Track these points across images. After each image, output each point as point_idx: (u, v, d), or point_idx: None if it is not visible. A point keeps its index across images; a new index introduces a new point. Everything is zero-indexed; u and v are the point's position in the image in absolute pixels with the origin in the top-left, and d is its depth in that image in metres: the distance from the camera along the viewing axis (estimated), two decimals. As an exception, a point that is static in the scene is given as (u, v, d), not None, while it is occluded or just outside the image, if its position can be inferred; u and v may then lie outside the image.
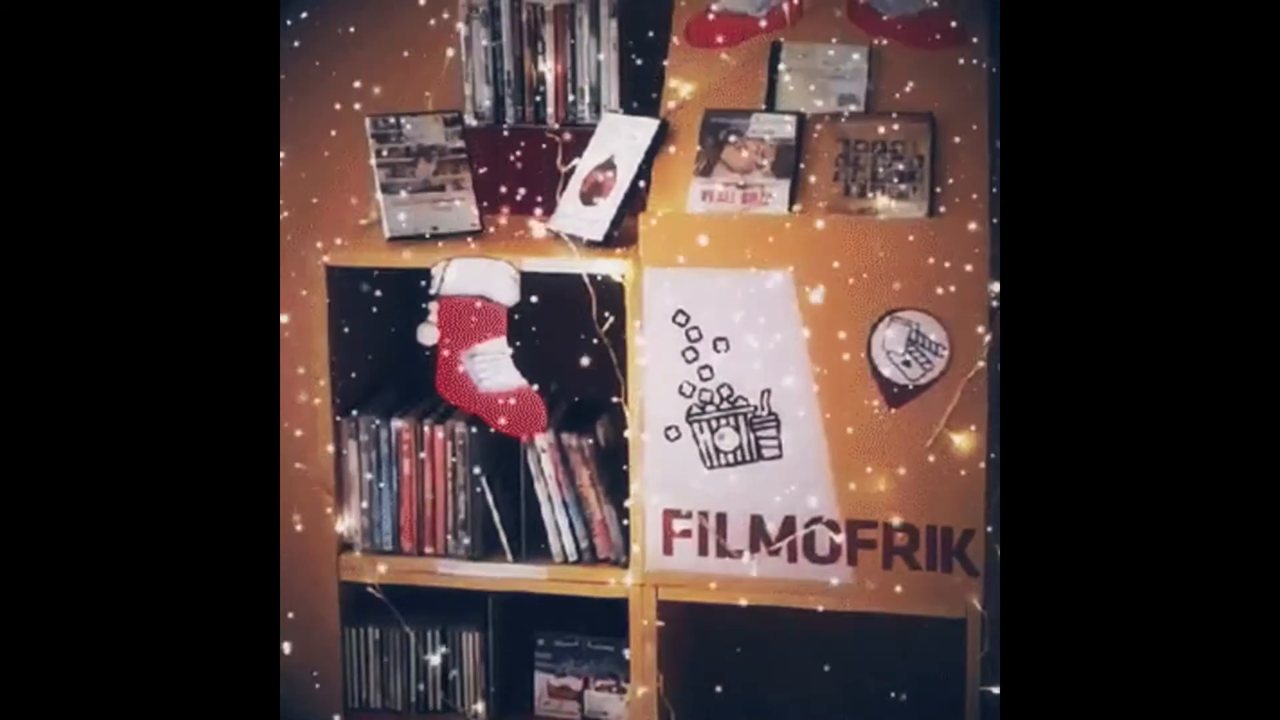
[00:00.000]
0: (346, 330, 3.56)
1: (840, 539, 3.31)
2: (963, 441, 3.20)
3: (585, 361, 3.41)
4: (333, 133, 3.81)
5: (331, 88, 3.78)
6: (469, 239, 3.55)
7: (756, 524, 3.35)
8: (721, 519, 3.36)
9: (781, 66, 3.50)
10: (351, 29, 3.88)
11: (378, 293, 3.65)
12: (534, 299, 3.46)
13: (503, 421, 3.48)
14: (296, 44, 3.82)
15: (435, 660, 3.68)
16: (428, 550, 3.60)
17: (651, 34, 3.68)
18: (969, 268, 3.15)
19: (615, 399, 3.42)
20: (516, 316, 3.48)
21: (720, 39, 3.56)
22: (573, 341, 3.43)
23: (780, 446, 3.31)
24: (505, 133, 3.77)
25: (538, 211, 3.65)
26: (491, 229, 3.61)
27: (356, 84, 3.75)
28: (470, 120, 3.74)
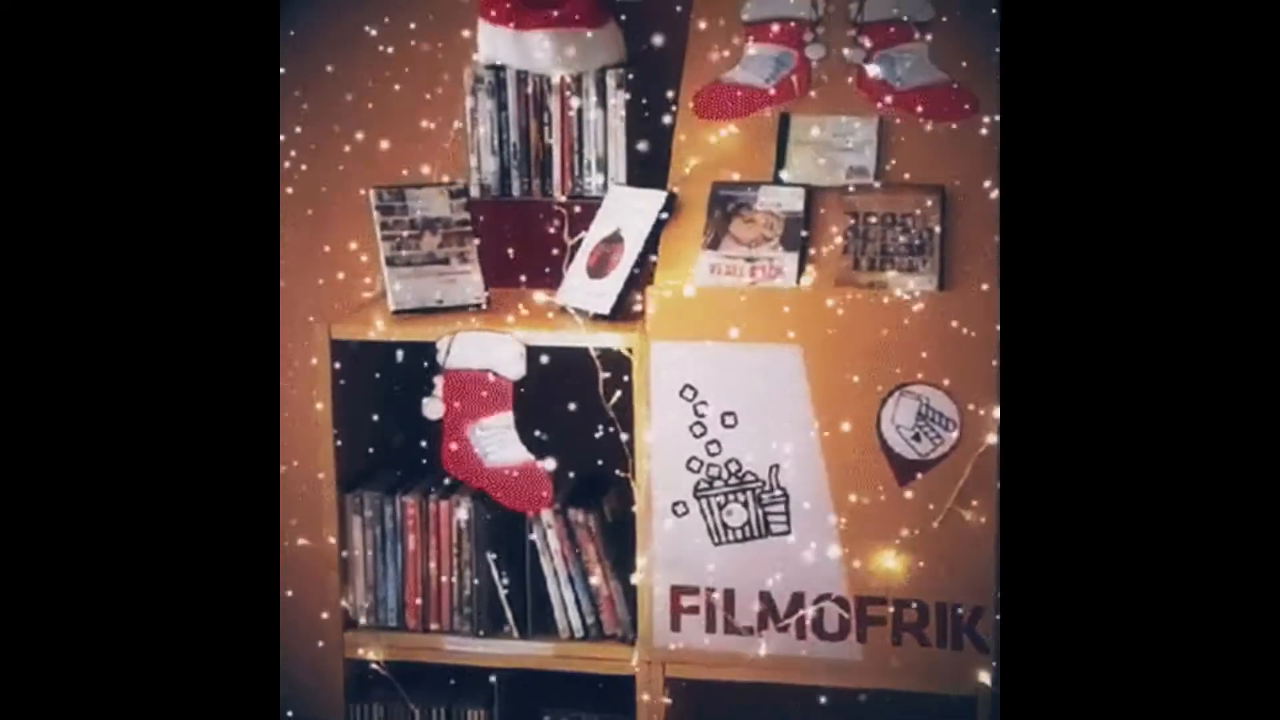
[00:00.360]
0: (351, 404, 3.59)
1: (849, 616, 3.33)
2: (973, 517, 3.22)
3: (592, 436, 3.45)
4: (336, 205, 3.87)
5: (336, 160, 3.85)
6: (474, 312, 3.58)
7: (765, 600, 3.37)
8: (729, 595, 3.38)
9: (790, 138, 3.53)
10: (355, 99, 3.96)
11: (382, 366, 3.67)
12: (540, 373, 3.49)
13: (508, 497, 3.52)
14: (299, 127, 3.88)
15: (440, 738, 3.72)
16: (433, 627, 3.63)
17: (659, 105, 3.71)
18: (980, 341, 3.17)
19: (622, 474, 3.44)
20: (522, 390, 3.50)
21: (728, 110, 3.60)
22: (579, 416, 3.46)
23: (789, 522, 3.33)
24: (511, 205, 3.80)
25: (544, 285, 3.68)
26: (497, 302, 3.64)
27: (360, 150, 3.82)
28: (476, 192, 3.78)
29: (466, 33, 3.82)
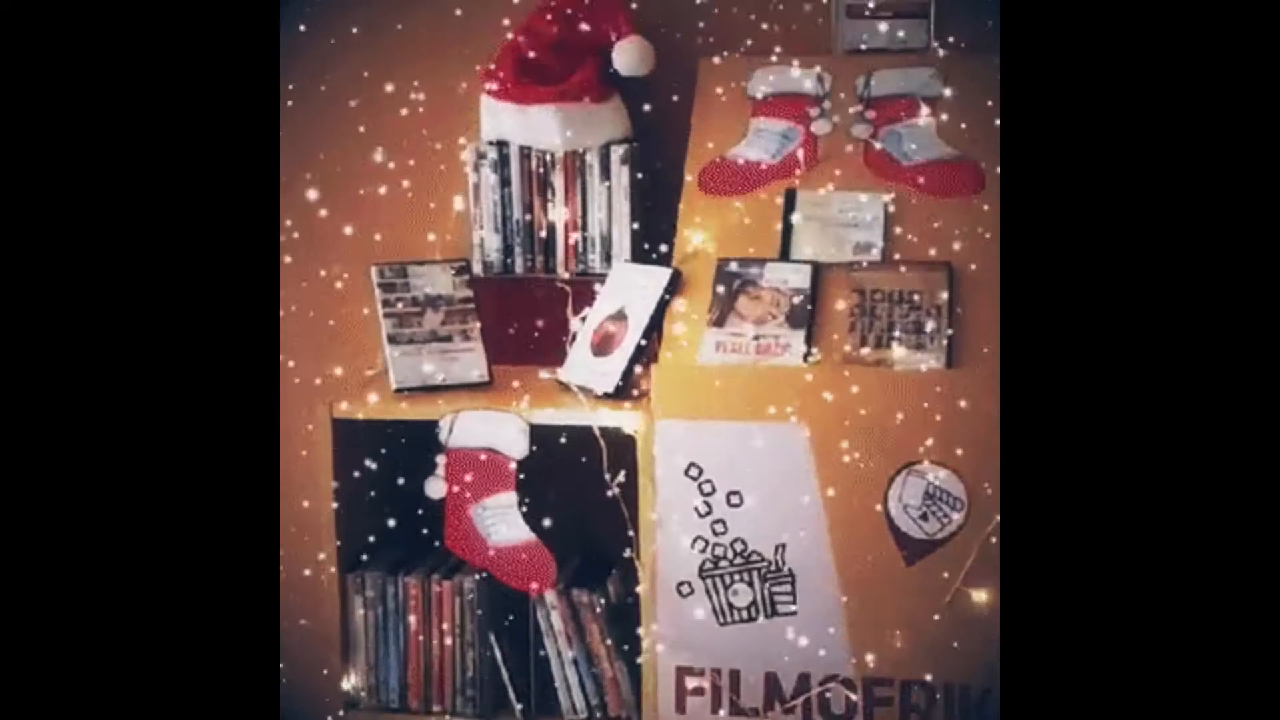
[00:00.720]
0: (352, 483, 3.62)
1: (856, 697, 3.35)
2: (981, 598, 3.24)
3: (596, 515, 3.47)
4: (338, 284, 3.92)
5: (337, 234, 3.90)
6: (477, 390, 3.61)
7: (771, 682, 3.39)
8: (735, 676, 3.40)
9: (796, 214, 3.56)
10: (355, 172, 4.01)
11: (384, 444, 3.71)
12: (543, 451, 3.52)
13: (511, 576, 3.54)
14: (306, 195, 3.94)
15: (442, 821, 3.74)
16: (435, 708, 3.65)
17: (664, 181, 3.77)
18: (988, 420, 3.19)
19: (627, 553, 3.46)
20: (525, 469, 3.53)
21: (734, 186, 3.65)
22: (583, 494, 3.49)
23: (795, 602, 3.35)
24: (514, 282, 3.84)
25: (548, 363, 3.71)
26: (500, 380, 3.66)
27: (362, 224, 3.88)
28: (478, 269, 3.82)
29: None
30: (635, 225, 3.79)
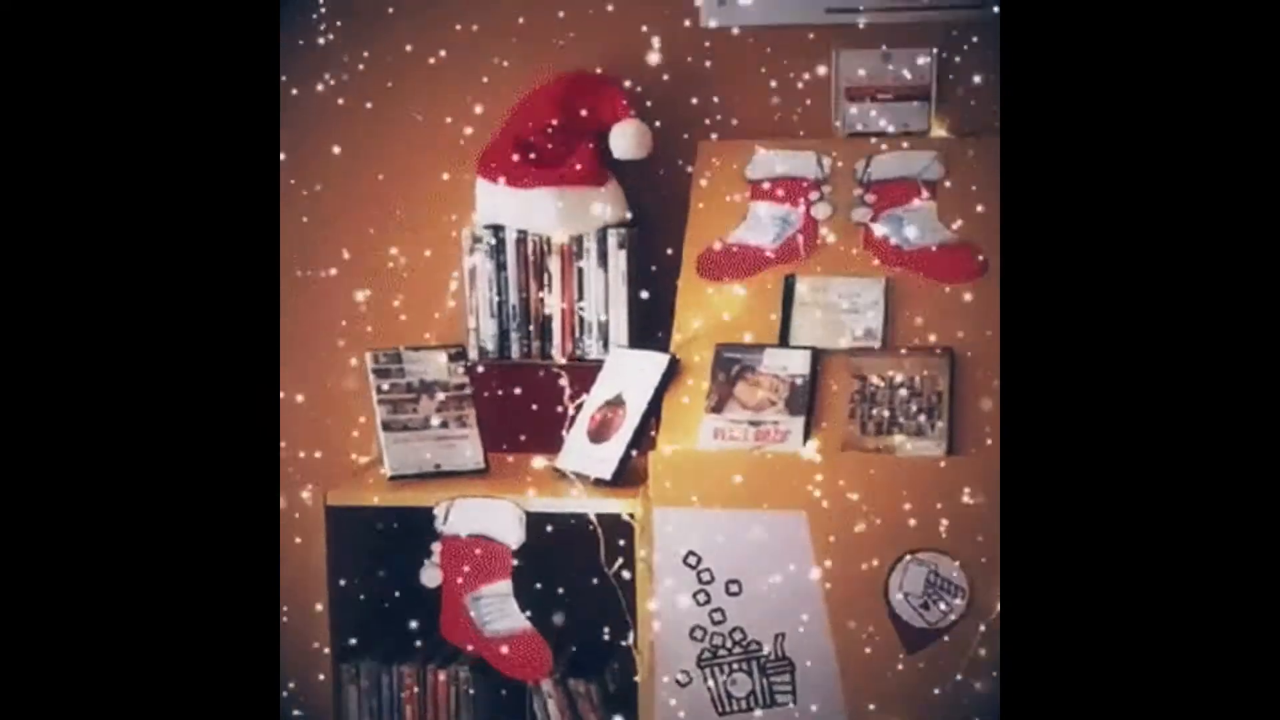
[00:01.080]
0: (347, 571, 3.64)
1: (858, 789, 3.36)
2: (983, 687, 3.25)
3: (593, 603, 3.50)
4: (332, 364, 3.97)
5: (333, 318, 3.95)
6: (473, 477, 3.64)
7: (771, 773, 3.40)
8: (735, 768, 3.43)
9: (796, 299, 3.60)
10: (349, 258, 4.07)
11: (379, 532, 3.73)
12: (540, 538, 3.54)
13: (507, 665, 3.56)
14: (297, 273, 3.99)
15: None
16: (429, 800, 3.67)
17: (662, 265, 3.81)
18: (990, 507, 3.21)
19: (624, 642, 3.48)
20: (522, 556, 3.55)
21: (732, 271, 3.68)
22: (580, 583, 3.53)
23: (794, 692, 3.37)
24: (511, 368, 3.88)
25: (544, 449, 3.73)
26: (496, 467, 3.70)
27: (357, 309, 3.94)
28: (474, 355, 3.86)
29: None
30: (632, 310, 3.84)
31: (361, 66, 4.09)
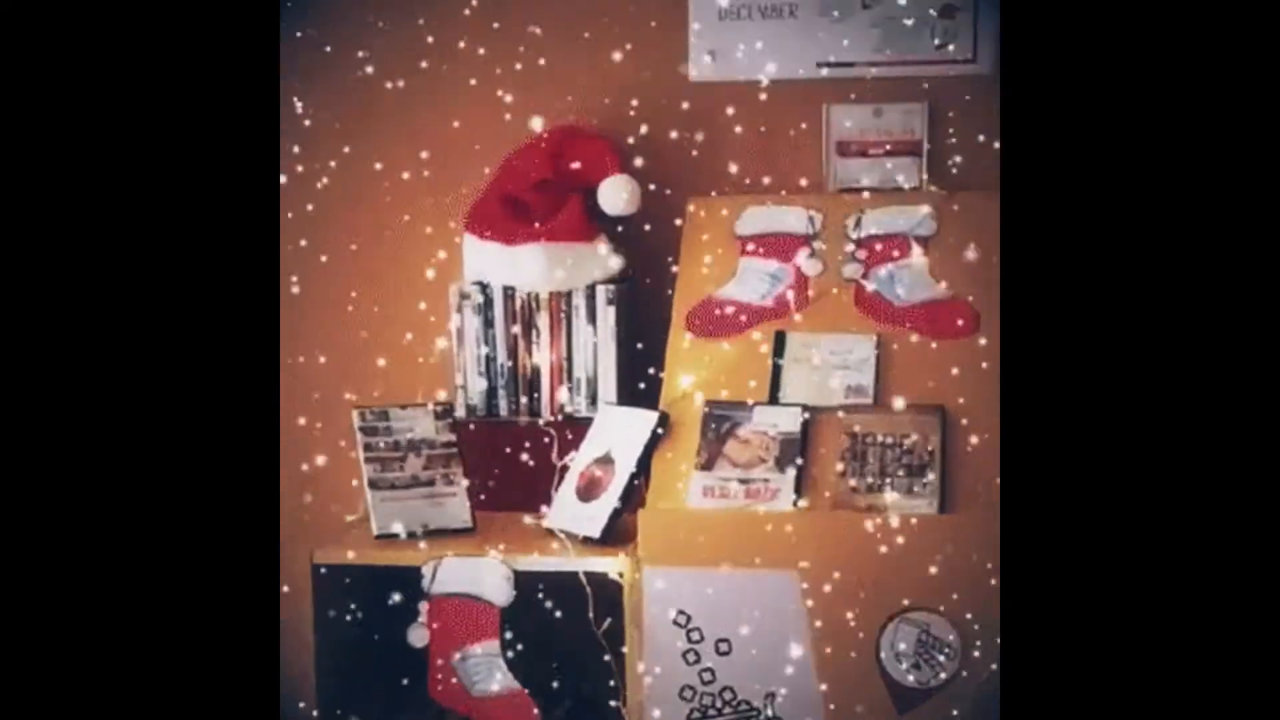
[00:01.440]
0: (333, 631, 3.64)
1: None
2: (975, 747, 3.28)
3: (582, 662, 3.52)
4: (318, 424, 4.00)
5: (322, 374, 4.00)
6: (460, 536, 3.66)
7: (761, 835, 3.42)
8: (725, 830, 3.44)
9: (786, 356, 3.63)
10: (338, 316, 4.12)
11: (365, 592, 3.72)
12: (529, 597, 3.55)
13: (495, 727, 3.57)
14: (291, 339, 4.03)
15: None
16: None
17: (651, 322, 3.85)
18: (982, 566, 3.24)
19: (614, 702, 3.49)
20: (510, 615, 3.56)
21: (722, 328, 3.71)
22: (569, 642, 3.53)
23: (786, 754, 3.39)
24: (498, 425, 3.91)
25: (532, 508, 3.75)
26: (484, 526, 3.71)
27: (345, 363, 3.99)
28: (462, 412, 3.89)
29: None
30: (621, 367, 3.87)
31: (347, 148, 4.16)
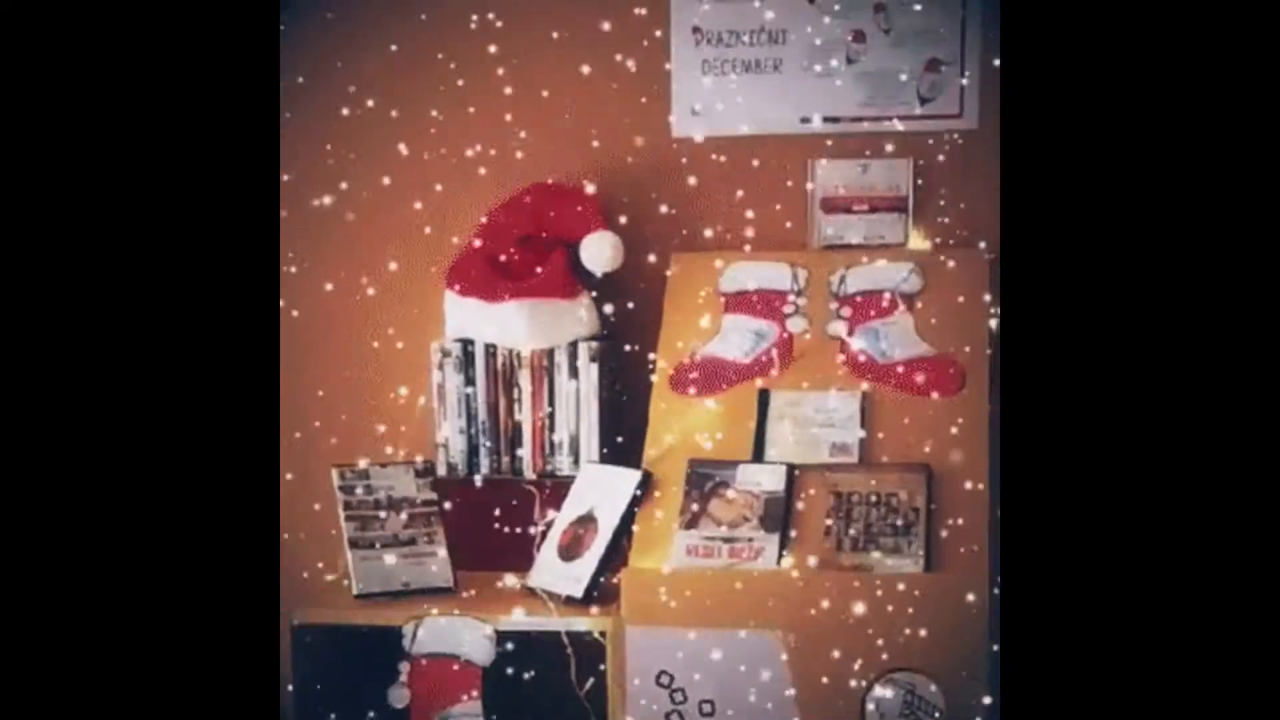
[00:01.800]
0: (312, 692, 3.65)
1: None
2: (963, 809, 3.28)
3: (565, 723, 3.51)
4: (290, 476, 4.01)
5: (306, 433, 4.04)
6: (441, 595, 3.67)
7: None
8: None
9: (771, 414, 3.65)
10: (319, 372, 4.15)
11: (344, 652, 3.70)
12: (511, 656, 3.56)
13: (477, 789, 3.57)
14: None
15: None
16: None
17: (634, 379, 3.87)
18: (968, 626, 3.26)
19: None
20: (491, 675, 3.57)
21: (706, 386, 3.73)
22: (551, 703, 3.53)
23: (771, 817, 3.38)
24: (480, 484, 3.92)
25: (514, 567, 3.75)
26: (465, 585, 3.73)
27: (324, 419, 4.02)
28: (442, 471, 3.91)
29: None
30: (604, 424, 3.89)
31: (346, 184, 4.19)
